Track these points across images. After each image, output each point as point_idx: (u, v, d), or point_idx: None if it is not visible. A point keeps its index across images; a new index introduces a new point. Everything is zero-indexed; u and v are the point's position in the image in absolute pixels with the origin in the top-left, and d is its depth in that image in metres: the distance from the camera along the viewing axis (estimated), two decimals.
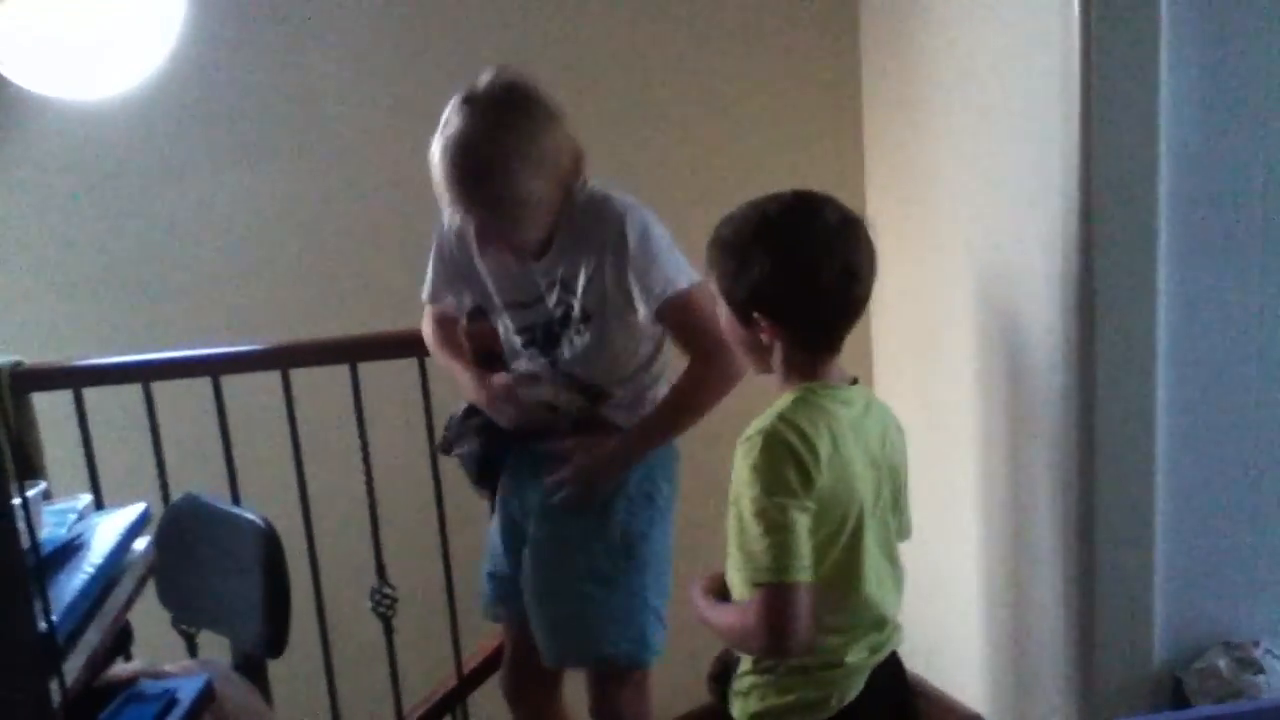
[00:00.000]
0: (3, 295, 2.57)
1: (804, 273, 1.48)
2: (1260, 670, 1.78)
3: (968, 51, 2.17)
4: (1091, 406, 1.78)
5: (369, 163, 2.71)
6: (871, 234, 1.51)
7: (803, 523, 1.43)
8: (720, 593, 1.60)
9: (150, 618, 1.88)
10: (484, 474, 2.07)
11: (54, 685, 1.03)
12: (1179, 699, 1.83)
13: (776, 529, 1.42)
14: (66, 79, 2.32)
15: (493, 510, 2.11)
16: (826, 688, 1.51)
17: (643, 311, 1.82)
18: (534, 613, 1.97)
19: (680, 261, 1.83)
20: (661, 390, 1.94)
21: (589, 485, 1.89)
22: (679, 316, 1.82)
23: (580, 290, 1.85)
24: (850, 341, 1.56)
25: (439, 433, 2.22)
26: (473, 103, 1.76)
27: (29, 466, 2.19)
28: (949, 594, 2.41)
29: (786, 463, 1.44)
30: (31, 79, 2.26)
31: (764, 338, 1.52)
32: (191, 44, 2.52)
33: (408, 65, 2.66)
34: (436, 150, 1.77)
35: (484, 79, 1.78)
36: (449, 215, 1.82)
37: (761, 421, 1.49)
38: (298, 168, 2.69)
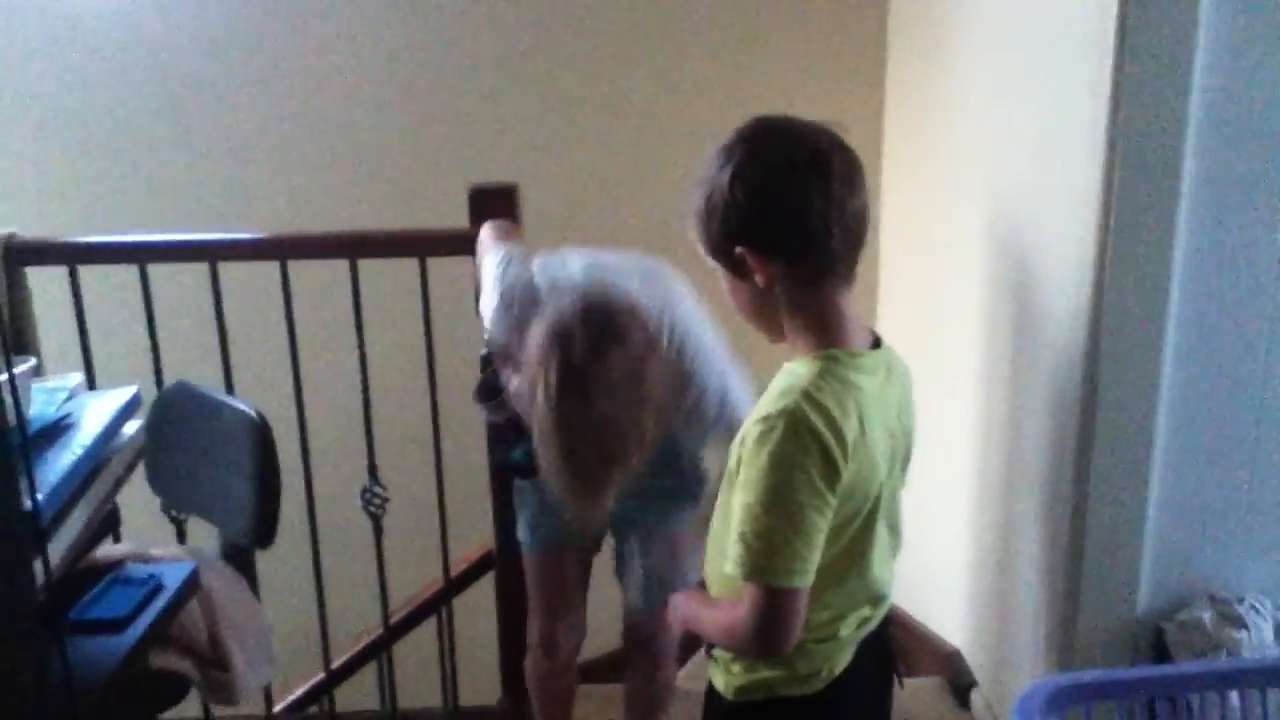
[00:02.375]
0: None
1: (769, 173, 1.32)
2: (1243, 625, 1.78)
3: None
4: (1096, 354, 1.76)
5: (378, 56, 2.64)
6: (847, 139, 1.35)
7: (818, 525, 1.32)
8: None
9: (142, 502, 1.88)
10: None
11: (38, 565, 1.02)
12: (1160, 650, 1.83)
13: (790, 529, 1.30)
14: None
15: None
16: (817, 661, 1.45)
17: None
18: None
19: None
20: None
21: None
22: None
23: None
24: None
25: (436, 334, 2.20)
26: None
27: (21, 341, 2.17)
28: (938, 531, 2.41)
29: (812, 453, 1.29)
30: None
31: (759, 280, 1.35)
32: None
33: None
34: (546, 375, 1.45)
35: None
36: (519, 268, 1.73)
37: (781, 399, 1.32)
38: (303, 55, 2.63)
